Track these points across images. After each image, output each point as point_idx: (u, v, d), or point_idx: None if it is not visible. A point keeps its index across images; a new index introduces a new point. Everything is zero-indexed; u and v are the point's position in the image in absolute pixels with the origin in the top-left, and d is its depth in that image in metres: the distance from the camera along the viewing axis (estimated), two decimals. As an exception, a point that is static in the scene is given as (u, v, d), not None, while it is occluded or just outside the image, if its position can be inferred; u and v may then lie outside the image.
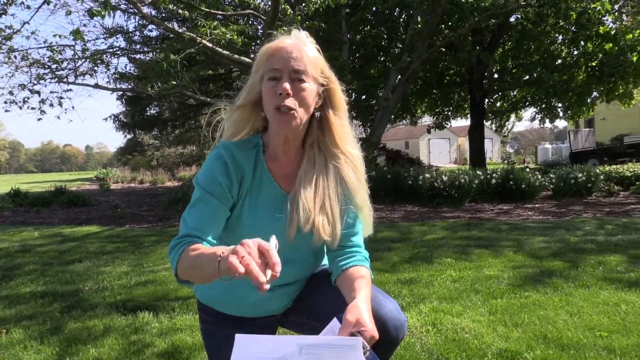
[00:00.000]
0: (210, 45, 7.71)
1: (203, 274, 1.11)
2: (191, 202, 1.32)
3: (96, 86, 8.74)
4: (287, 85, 1.24)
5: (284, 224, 1.33)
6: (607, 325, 2.66)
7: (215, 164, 1.31)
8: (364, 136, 12.38)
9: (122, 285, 3.85)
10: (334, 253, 1.42)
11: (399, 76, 11.42)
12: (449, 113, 17.85)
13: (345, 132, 1.39)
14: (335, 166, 1.36)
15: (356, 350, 1.07)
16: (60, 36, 7.61)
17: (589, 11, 10.01)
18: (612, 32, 11.22)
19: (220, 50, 8.03)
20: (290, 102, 1.25)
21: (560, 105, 15.04)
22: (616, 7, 8.96)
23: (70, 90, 8.87)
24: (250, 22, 10.78)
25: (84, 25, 8.55)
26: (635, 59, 10.29)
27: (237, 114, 1.37)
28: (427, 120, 22.33)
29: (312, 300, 1.47)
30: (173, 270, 1.22)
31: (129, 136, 21.39)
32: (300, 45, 1.29)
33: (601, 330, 2.58)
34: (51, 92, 8.72)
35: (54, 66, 8.35)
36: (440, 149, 42.01)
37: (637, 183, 9.88)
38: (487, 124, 19.07)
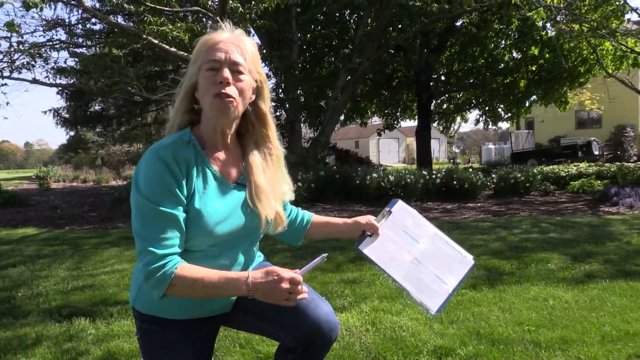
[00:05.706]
0: (156, 41, 7.53)
1: (216, 296, 1.31)
2: (140, 214, 1.23)
3: (34, 81, 8.35)
4: (227, 74, 1.27)
5: (239, 215, 1.36)
6: (535, 319, 2.81)
7: (155, 166, 1.24)
8: (314, 136, 12.43)
9: (58, 290, 3.70)
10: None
11: (349, 77, 11.56)
12: (398, 114, 18.22)
13: (274, 128, 1.48)
14: (272, 159, 1.46)
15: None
16: (-7, 27, 7.20)
17: (529, 19, 10.48)
18: (552, 39, 11.78)
19: (167, 47, 7.85)
20: (230, 90, 1.28)
21: (502, 106, 15.69)
22: (552, 15, 9.42)
23: (6, 84, 8.43)
24: (198, 19, 10.58)
25: (22, 16, 8.16)
26: (569, 65, 10.86)
27: (177, 106, 1.37)
28: (376, 120, 22.69)
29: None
30: (157, 294, 1.23)
31: (71, 133, 20.48)
32: (240, 39, 1.33)
33: (529, 325, 2.72)
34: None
35: (-14, 59, 7.91)
36: (389, 149, 42.80)
37: (571, 183, 10.44)
38: (434, 124, 19.58)
